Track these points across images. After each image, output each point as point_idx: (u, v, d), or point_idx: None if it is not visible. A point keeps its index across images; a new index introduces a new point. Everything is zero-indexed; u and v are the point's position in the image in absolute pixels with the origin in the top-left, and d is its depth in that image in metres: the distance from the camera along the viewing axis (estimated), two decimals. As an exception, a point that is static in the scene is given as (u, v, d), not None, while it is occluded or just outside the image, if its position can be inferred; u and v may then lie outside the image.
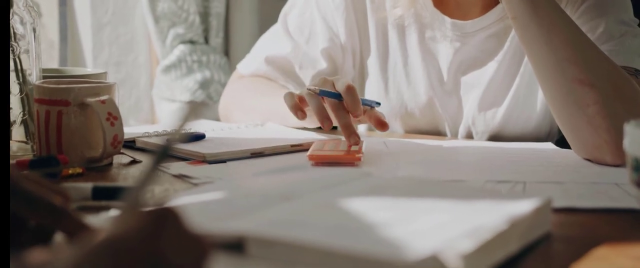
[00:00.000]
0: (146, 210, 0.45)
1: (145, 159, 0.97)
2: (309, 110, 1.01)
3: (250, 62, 1.30)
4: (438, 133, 1.22)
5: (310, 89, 0.99)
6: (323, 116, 0.98)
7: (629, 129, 0.69)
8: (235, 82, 1.33)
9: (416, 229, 0.55)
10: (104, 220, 0.62)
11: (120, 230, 0.42)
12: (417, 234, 0.54)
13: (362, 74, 1.25)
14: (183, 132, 0.48)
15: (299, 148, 1.01)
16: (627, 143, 0.69)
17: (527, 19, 0.98)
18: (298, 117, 1.01)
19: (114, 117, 0.89)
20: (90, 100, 0.89)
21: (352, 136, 0.97)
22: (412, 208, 0.62)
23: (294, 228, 0.56)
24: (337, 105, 0.98)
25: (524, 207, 0.61)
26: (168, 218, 0.44)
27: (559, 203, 0.74)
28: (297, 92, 1.04)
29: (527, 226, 0.61)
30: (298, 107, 1.01)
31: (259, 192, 0.68)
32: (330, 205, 0.62)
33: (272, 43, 1.28)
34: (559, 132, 1.19)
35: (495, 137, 1.18)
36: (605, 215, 0.73)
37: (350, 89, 0.97)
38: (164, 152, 0.48)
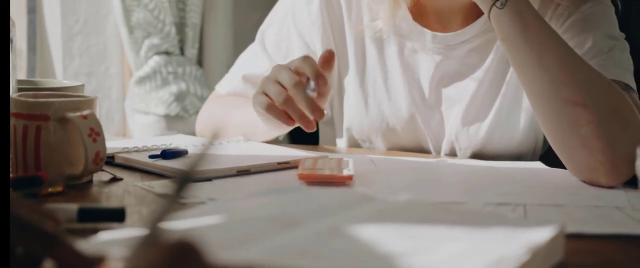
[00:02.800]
0: (166, 244, 0.41)
1: (141, 194, 0.92)
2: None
3: (228, 82, 1.29)
4: (421, 149, 1.19)
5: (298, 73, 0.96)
6: (314, 107, 0.96)
7: (642, 153, 0.67)
8: (212, 103, 1.31)
9: (437, 259, 0.52)
10: (96, 246, 0.58)
11: (140, 266, 0.39)
12: (439, 265, 0.51)
13: (340, 91, 1.22)
14: (203, 160, 0.45)
15: (286, 165, 0.98)
16: (640, 169, 0.67)
17: (518, 40, 0.96)
18: (289, 124, 0.99)
19: (96, 133, 0.85)
20: (71, 115, 0.85)
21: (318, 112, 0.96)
22: (426, 236, 0.59)
23: (305, 258, 0.53)
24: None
25: (541, 235, 0.59)
26: (191, 254, 0.41)
27: (567, 228, 0.71)
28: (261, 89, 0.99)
29: (544, 255, 0.59)
30: (281, 113, 0.98)
31: (258, 217, 0.65)
32: (338, 232, 0.59)
33: (250, 61, 1.26)
34: (543, 147, 1.18)
35: (478, 153, 1.16)
36: (616, 241, 0.70)
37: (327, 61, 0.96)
38: (185, 181, 0.44)
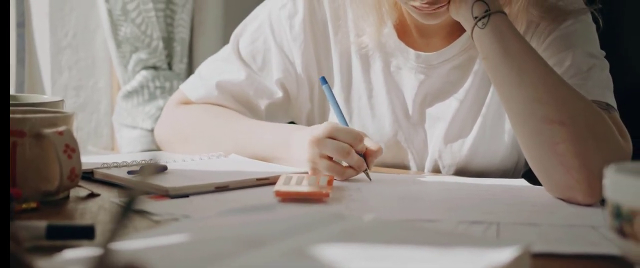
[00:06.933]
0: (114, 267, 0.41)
1: (111, 209, 0.92)
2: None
3: (199, 86, 1.23)
4: (403, 167, 1.19)
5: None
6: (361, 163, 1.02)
7: (610, 174, 0.67)
8: (183, 110, 1.23)
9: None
10: (58, 266, 0.58)
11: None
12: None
13: (323, 107, 1.22)
14: (145, 185, 0.45)
15: (265, 182, 0.98)
16: (608, 189, 0.67)
17: (498, 59, 0.97)
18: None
19: (71, 149, 0.85)
20: (47, 131, 0.85)
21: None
22: (390, 257, 0.58)
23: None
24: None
25: (503, 255, 0.59)
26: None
27: (536, 247, 0.71)
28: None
29: (507, 275, 0.58)
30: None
31: (225, 236, 0.64)
32: (302, 252, 0.59)
33: (224, 67, 1.22)
34: (527, 164, 1.18)
35: (462, 170, 1.16)
36: (584, 261, 0.70)
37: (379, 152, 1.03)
38: (129, 208, 0.44)
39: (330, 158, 1.00)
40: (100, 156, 1.24)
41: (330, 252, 0.59)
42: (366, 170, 1.02)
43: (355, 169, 1.01)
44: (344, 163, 1.01)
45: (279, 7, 1.20)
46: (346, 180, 1.02)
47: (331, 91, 1.10)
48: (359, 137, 1.01)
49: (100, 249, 0.45)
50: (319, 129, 1.01)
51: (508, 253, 0.59)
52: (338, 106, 1.09)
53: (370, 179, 1.02)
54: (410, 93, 1.16)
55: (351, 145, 1.00)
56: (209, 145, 1.15)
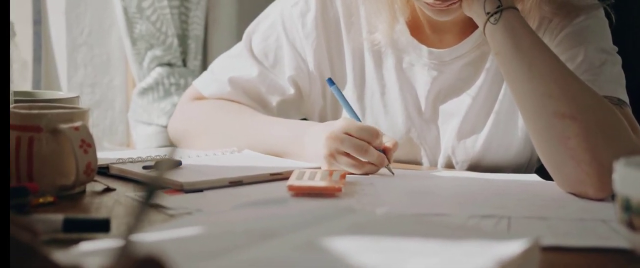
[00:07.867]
0: (132, 257, 0.42)
1: (127, 203, 0.94)
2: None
3: (211, 82, 1.24)
4: (416, 163, 1.20)
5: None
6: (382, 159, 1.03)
7: (619, 167, 0.68)
8: (196, 105, 1.25)
9: (404, 273, 0.53)
10: (73, 257, 0.59)
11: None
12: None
13: (336, 104, 1.22)
14: (163, 176, 0.46)
15: (278, 177, 0.99)
16: (617, 183, 0.68)
17: (510, 54, 0.98)
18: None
19: (87, 144, 0.86)
20: (63, 126, 0.86)
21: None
22: (399, 249, 0.59)
23: (275, 269, 0.54)
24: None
25: (512, 248, 0.60)
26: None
27: (545, 241, 0.72)
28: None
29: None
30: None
31: (238, 229, 0.65)
32: (312, 244, 0.60)
33: (236, 64, 1.23)
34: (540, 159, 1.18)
35: (475, 166, 1.16)
36: (593, 254, 0.71)
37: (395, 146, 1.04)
38: (148, 202, 0.45)
39: (348, 155, 1.01)
40: (116, 152, 1.25)
41: (341, 244, 0.60)
42: (388, 164, 1.03)
43: (376, 165, 1.02)
44: (362, 159, 1.02)
45: (291, 4, 1.20)
46: (366, 175, 1.02)
47: (340, 91, 1.10)
48: (375, 133, 1.02)
49: (121, 241, 0.46)
50: (335, 125, 1.02)
51: (517, 247, 0.60)
52: (349, 105, 1.09)
53: (392, 173, 1.04)
54: (423, 89, 1.17)
55: (368, 142, 1.01)
56: (221, 140, 1.16)
